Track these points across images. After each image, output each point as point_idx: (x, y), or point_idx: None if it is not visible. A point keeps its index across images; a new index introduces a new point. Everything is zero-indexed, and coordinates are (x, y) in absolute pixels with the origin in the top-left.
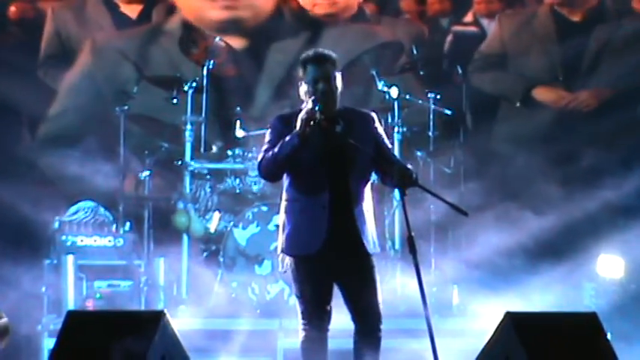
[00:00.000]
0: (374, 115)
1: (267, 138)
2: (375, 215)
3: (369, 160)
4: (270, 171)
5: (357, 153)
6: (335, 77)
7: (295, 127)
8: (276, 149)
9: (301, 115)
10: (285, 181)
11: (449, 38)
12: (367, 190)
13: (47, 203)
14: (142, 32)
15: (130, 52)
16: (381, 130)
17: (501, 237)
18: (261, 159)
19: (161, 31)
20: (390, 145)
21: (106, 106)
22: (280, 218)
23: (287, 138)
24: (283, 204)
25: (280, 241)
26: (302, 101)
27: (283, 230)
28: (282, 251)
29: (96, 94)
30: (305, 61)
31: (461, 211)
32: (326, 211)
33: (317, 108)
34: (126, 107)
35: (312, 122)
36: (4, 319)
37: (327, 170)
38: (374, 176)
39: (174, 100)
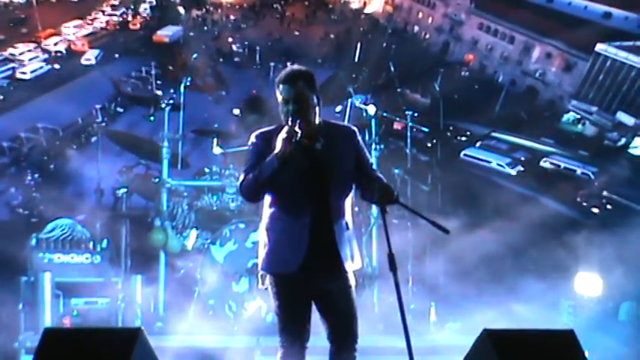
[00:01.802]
0: (355, 129)
1: (248, 156)
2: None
3: (350, 177)
4: (251, 193)
5: (337, 169)
6: (309, 95)
7: (275, 145)
8: (256, 171)
9: (281, 135)
10: (267, 198)
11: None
12: (347, 204)
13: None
14: None
15: None
16: (362, 144)
17: (479, 254)
18: (242, 181)
19: None
20: (370, 160)
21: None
22: (260, 235)
23: (267, 160)
24: (264, 221)
25: (260, 258)
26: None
27: (263, 247)
28: (262, 269)
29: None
30: (278, 81)
31: (442, 229)
32: (306, 229)
33: (297, 126)
34: (104, 124)
35: (292, 140)
36: None
37: (308, 188)
38: (353, 190)
39: (152, 118)
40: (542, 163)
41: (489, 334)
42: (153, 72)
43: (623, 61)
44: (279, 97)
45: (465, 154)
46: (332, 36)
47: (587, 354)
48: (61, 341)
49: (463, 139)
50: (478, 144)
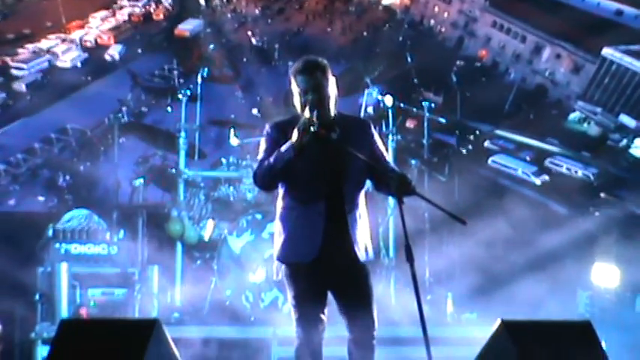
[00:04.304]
0: (369, 121)
1: (263, 146)
2: (369, 222)
3: (365, 167)
4: (266, 182)
5: (352, 160)
6: (326, 85)
7: (291, 135)
8: (271, 160)
9: (298, 125)
10: (281, 188)
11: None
12: (361, 197)
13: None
14: None
15: None
16: (376, 136)
17: (496, 245)
18: (257, 169)
19: None
20: (385, 153)
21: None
22: (275, 226)
23: (282, 149)
24: (278, 211)
25: (275, 248)
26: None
27: (278, 238)
28: (278, 259)
29: None
30: (295, 71)
31: (459, 220)
32: (321, 219)
33: (314, 116)
34: (120, 115)
35: (309, 130)
36: None
37: (323, 178)
38: (368, 183)
39: (169, 108)
40: (546, 164)
41: (506, 325)
42: (175, 72)
43: (628, 66)
44: (296, 88)
45: (493, 161)
46: (365, 34)
47: (603, 345)
48: (78, 332)
49: (471, 137)
50: (486, 143)
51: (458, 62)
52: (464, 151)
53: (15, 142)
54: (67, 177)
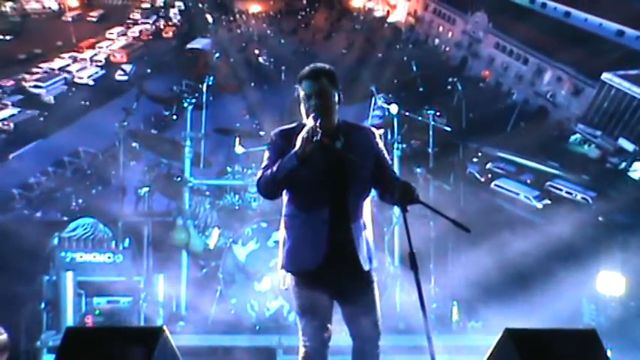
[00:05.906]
0: (374, 130)
1: (267, 154)
2: (374, 231)
3: (369, 176)
4: (269, 190)
5: (356, 168)
6: (332, 92)
7: (295, 143)
8: (274, 168)
9: (302, 134)
10: (285, 197)
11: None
12: (366, 206)
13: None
14: None
15: None
16: (381, 145)
17: (501, 254)
18: (260, 177)
19: None
20: (390, 161)
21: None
22: (280, 234)
23: (285, 158)
24: (283, 220)
25: (280, 257)
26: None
27: (283, 246)
28: (283, 268)
29: None
30: (301, 77)
31: (463, 228)
32: (326, 227)
33: (318, 124)
34: (125, 123)
35: (312, 139)
36: (3, 336)
37: (327, 187)
38: (373, 192)
39: (174, 117)
40: (546, 187)
41: (511, 334)
42: (185, 94)
43: (626, 91)
44: (302, 93)
45: (495, 185)
46: (380, 55)
47: (609, 353)
48: (83, 340)
49: (475, 160)
50: (488, 165)
51: (450, 79)
52: (482, 179)
53: (29, 166)
54: (80, 200)
